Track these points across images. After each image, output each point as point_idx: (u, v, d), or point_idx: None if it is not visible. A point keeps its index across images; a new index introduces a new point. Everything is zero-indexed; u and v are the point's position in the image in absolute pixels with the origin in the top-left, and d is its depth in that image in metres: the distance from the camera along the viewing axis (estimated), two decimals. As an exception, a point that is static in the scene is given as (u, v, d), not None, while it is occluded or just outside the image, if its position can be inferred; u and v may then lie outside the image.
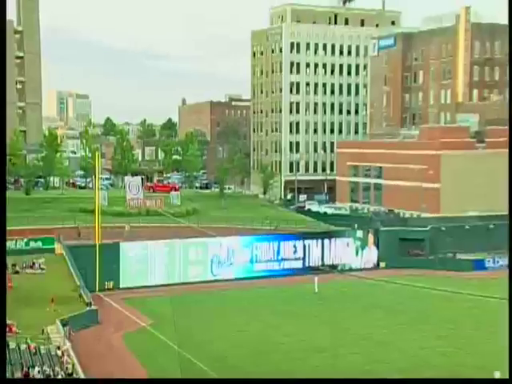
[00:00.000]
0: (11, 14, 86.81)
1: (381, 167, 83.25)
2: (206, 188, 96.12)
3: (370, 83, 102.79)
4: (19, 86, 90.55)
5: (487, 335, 40.64)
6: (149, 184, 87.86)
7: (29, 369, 31.35)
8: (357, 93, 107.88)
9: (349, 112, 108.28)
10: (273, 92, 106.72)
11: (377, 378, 32.76)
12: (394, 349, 38.47)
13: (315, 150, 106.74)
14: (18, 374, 31.01)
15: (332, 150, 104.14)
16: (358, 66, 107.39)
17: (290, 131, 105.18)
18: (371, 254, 62.17)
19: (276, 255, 58.79)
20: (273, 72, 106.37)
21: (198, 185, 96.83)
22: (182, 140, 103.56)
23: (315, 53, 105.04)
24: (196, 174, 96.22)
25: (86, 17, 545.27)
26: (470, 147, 75.71)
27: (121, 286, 52.09)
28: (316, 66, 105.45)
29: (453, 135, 75.58)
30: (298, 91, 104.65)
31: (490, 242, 61.07)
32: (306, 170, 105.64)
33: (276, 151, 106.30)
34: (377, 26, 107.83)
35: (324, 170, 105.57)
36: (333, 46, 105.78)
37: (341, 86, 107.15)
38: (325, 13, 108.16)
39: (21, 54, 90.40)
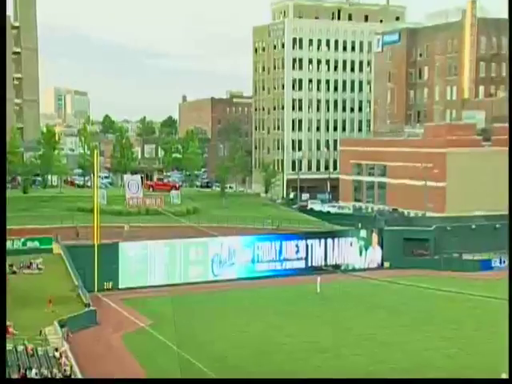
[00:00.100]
0: (8, 9, 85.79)
1: (385, 165, 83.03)
2: (207, 187, 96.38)
3: (373, 80, 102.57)
4: (16, 83, 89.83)
5: (491, 336, 40.39)
6: (149, 182, 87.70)
7: (26, 371, 31.24)
8: (360, 89, 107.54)
9: (352, 109, 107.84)
10: (275, 89, 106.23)
11: (379, 378, 32.65)
12: (397, 350, 38.29)
13: (318, 148, 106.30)
14: (15, 376, 30.88)
15: (335, 148, 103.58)
16: (361, 63, 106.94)
17: (293, 129, 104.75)
18: (375, 254, 61.80)
19: (278, 255, 58.50)
20: (275, 68, 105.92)
21: (198, 183, 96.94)
22: (182, 138, 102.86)
23: (318, 49, 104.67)
24: (197, 173, 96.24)
25: (85, 14, 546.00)
26: (476, 145, 75.55)
27: (120, 287, 51.92)
28: (319, 62, 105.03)
29: (458, 133, 75.44)
30: (300, 88, 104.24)
31: (496, 241, 60.65)
32: (309, 168, 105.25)
33: (278, 149, 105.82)
34: (381, 21, 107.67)
35: (327, 168, 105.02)
36: (336, 42, 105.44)
37: (344, 82, 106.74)
38: (328, 8, 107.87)
39: (18, 50, 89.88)
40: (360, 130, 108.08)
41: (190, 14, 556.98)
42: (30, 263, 50.39)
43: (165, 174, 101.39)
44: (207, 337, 40.21)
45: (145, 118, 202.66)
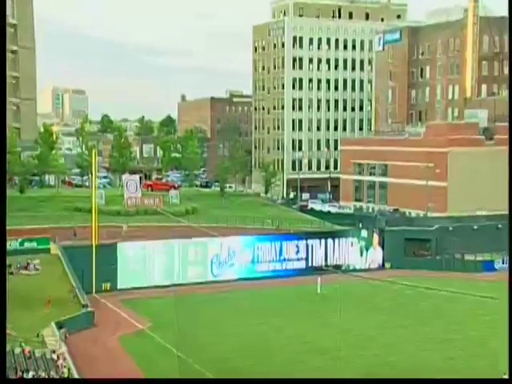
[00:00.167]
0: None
1: (386, 165, 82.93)
2: (206, 187, 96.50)
3: (374, 79, 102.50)
4: (13, 81, 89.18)
5: (493, 338, 40.19)
6: (147, 182, 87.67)
7: (23, 373, 31.13)
8: (361, 89, 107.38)
9: (353, 108, 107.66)
10: (275, 88, 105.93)
11: (379, 378, 32.73)
12: (397, 351, 38.19)
13: (318, 148, 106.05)
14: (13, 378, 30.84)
15: (336, 148, 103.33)
16: (362, 61, 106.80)
17: (293, 128, 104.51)
18: (376, 255, 61.46)
19: (278, 255, 58.17)
20: (275, 67, 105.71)
21: (197, 183, 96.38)
22: (181, 137, 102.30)
23: (318, 47, 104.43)
24: (196, 172, 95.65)
25: (83, 11, 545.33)
26: (478, 144, 75.32)
27: (118, 288, 51.58)
28: (319, 61, 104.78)
29: (461, 132, 75.25)
30: (300, 87, 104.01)
31: (499, 242, 60.00)
32: (309, 168, 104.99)
33: (278, 149, 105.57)
34: (382, 19, 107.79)
35: (327, 168, 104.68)
36: (337, 41, 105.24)
37: (345, 81, 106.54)
38: (328, 6, 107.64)
39: (15, 48, 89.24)
40: (361, 129, 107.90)
41: (190, 13, 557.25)
42: (28, 264, 50.29)
43: (164, 173, 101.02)
44: (207, 339, 40.01)
45: (143, 117, 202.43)
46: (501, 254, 60.72)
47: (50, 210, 65.11)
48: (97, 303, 45.81)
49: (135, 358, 36.52)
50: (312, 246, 59.02)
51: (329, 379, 32.14)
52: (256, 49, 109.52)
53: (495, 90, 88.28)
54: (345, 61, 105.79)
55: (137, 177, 73.20)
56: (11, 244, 52.37)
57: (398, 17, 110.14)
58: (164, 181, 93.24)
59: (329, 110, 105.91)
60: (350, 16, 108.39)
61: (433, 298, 48.68)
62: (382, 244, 61.36)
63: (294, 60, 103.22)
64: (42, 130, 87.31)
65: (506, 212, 61.70)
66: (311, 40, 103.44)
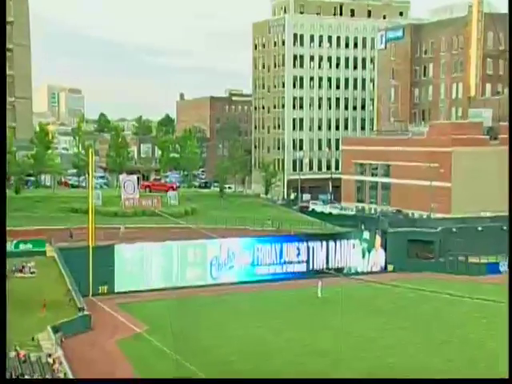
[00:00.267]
0: None
1: (388, 165, 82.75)
2: (206, 187, 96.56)
3: (377, 77, 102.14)
4: (8, 80, 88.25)
5: (494, 340, 40.01)
6: (145, 183, 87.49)
7: (17, 377, 30.83)
8: (363, 87, 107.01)
9: (355, 107, 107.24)
10: (275, 87, 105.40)
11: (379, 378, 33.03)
12: (399, 354, 38.13)
13: (319, 148, 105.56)
14: (7, 383, 30.47)
15: (337, 148, 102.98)
16: (364, 59, 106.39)
17: (293, 128, 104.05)
18: (378, 257, 60.91)
19: (279, 258, 57.53)
20: (275, 66, 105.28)
21: (196, 184, 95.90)
22: (180, 137, 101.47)
23: (320, 45, 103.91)
24: (195, 173, 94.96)
25: (80, 10, 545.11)
26: (482, 144, 75.13)
27: (115, 290, 51.08)
28: (320, 59, 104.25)
29: (464, 131, 75.07)
30: (301, 86, 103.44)
31: (504, 243, 59.14)
32: (310, 168, 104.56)
33: (278, 149, 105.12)
34: (384, 17, 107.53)
35: (329, 168, 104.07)
36: (338, 39, 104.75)
37: (346, 80, 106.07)
38: (330, 3, 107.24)
39: (10, 46, 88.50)
40: (363, 128, 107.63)
41: (190, 13, 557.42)
42: (23, 266, 49.93)
43: (162, 174, 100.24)
44: (205, 342, 39.68)
45: (141, 116, 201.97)
46: (506, 256, 60.31)
47: (46, 210, 64.92)
48: (94, 306, 45.19)
49: (133, 362, 36.06)
50: (313, 248, 58.41)
51: (329, 379, 32.27)
52: (256, 46, 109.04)
53: (500, 89, 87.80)
54: (346, 59, 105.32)
55: (134, 177, 73.10)
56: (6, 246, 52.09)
57: (401, 14, 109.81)
58: (162, 181, 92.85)
59: (330, 108, 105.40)
60: (352, 13, 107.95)
61: (436, 300, 47.87)
62: (384, 246, 60.84)
63: (295, 58, 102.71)
64: (37, 129, 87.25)
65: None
66: (312, 37, 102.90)
